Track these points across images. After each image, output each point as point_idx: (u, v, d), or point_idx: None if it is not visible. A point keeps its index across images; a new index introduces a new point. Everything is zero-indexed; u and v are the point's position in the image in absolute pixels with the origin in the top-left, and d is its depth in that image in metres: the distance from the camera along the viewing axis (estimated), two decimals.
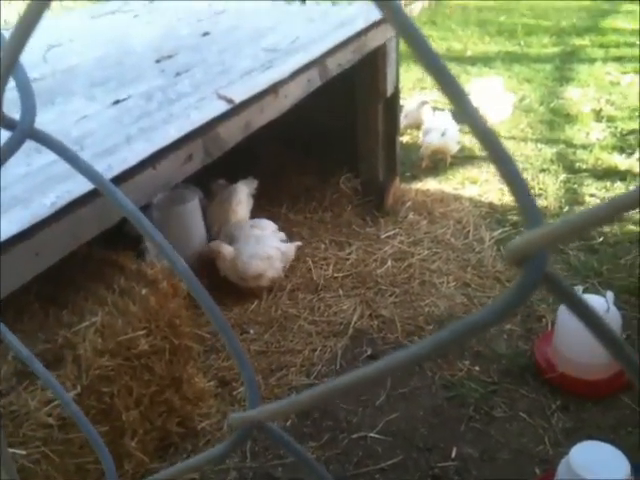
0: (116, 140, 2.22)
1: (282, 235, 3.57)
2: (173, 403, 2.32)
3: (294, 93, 2.96)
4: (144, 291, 2.22)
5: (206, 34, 3.49)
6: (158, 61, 3.08)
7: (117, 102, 2.59)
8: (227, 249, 3.29)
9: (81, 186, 1.91)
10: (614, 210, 0.26)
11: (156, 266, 2.34)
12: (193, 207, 3.49)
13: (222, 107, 2.53)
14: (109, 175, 2.01)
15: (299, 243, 3.52)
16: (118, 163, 2.07)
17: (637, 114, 5.22)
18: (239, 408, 2.68)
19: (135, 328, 2.10)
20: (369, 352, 3.01)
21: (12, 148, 0.48)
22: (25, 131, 0.48)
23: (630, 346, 0.32)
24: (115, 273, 2.30)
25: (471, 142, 4.90)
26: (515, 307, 0.29)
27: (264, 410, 0.41)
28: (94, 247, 2.35)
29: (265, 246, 3.32)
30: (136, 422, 2.13)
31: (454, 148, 4.52)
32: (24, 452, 1.71)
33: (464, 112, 0.31)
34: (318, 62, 3.11)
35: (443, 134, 4.35)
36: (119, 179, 2.07)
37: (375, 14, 3.54)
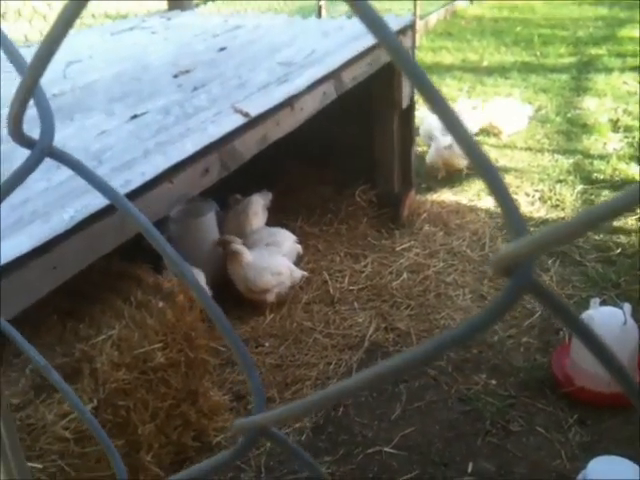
0: (134, 154, 2.25)
1: (299, 248, 3.59)
2: (189, 417, 2.33)
3: (310, 106, 2.98)
4: (161, 304, 2.24)
5: (222, 49, 3.53)
6: (176, 76, 3.12)
7: (135, 117, 2.63)
8: (247, 254, 3.27)
9: (99, 200, 1.93)
10: (598, 218, 0.26)
11: (173, 279, 2.35)
12: (209, 220, 3.51)
13: (238, 121, 2.56)
14: (127, 189, 2.04)
15: (306, 274, 3.49)
16: (136, 177, 2.09)
17: None
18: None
19: (151, 341, 2.12)
20: None
21: (31, 166, 0.50)
22: (44, 149, 0.50)
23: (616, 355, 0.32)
24: (132, 286, 2.32)
25: (487, 153, 4.89)
26: (502, 315, 0.30)
27: (267, 416, 0.42)
28: (112, 260, 2.37)
29: (278, 262, 3.32)
30: (152, 436, 2.14)
31: (461, 162, 4.48)
32: (40, 466, 1.73)
33: (447, 123, 0.32)
34: (333, 75, 3.13)
35: (448, 147, 4.33)
36: (136, 193, 2.09)
37: (390, 27, 3.56)
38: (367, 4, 0.32)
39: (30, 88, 0.46)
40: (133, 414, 2.08)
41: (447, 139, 4.36)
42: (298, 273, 3.41)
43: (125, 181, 2.06)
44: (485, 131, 5.10)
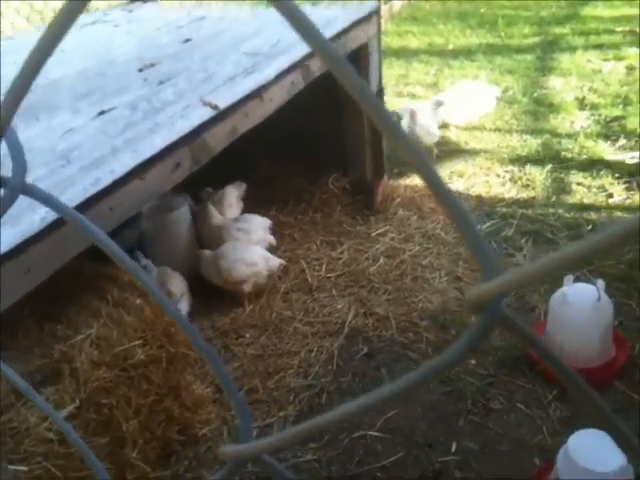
0: (102, 152, 2.22)
1: (272, 239, 3.59)
2: (172, 411, 2.33)
3: (279, 96, 2.97)
4: (138, 301, 2.23)
5: (187, 41, 3.49)
6: (141, 70, 3.08)
7: (102, 113, 2.60)
8: (205, 253, 3.31)
9: (69, 200, 1.91)
10: (566, 261, 0.27)
11: (149, 274, 2.33)
12: (183, 214, 3.49)
13: (207, 114, 2.54)
14: (97, 188, 2.02)
15: (284, 262, 3.49)
16: (105, 175, 2.07)
17: (619, 101, 5.26)
18: (237, 413, 2.68)
19: (131, 339, 2.11)
20: (365, 350, 3.02)
21: (5, 206, 0.50)
22: (17, 188, 0.49)
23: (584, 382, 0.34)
24: (108, 285, 2.30)
25: (457, 136, 4.93)
26: (473, 350, 0.31)
27: (254, 446, 0.42)
28: (85, 261, 2.35)
29: (252, 252, 3.32)
30: (136, 432, 2.14)
31: (428, 139, 4.50)
32: (26, 468, 1.72)
33: (414, 162, 0.32)
34: (301, 64, 3.12)
35: (412, 128, 4.34)
36: (107, 191, 2.07)
37: (354, 14, 3.56)
38: (295, 7, 0.32)
39: (3, 128, 0.45)
40: (116, 411, 2.07)
41: (421, 118, 4.38)
42: (275, 261, 3.40)
43: (95, 180, 2.04)
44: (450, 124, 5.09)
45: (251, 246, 3.37)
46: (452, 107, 4.93)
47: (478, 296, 0.30)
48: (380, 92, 3.96)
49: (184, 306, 2.99)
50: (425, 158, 0.31)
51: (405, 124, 4.44)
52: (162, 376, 2.25)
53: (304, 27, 0.31)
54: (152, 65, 3.11)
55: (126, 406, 2.11)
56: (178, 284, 3.01)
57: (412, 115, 4.35)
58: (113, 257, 0.49)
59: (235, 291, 3.32)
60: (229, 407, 2.72)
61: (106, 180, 2.07)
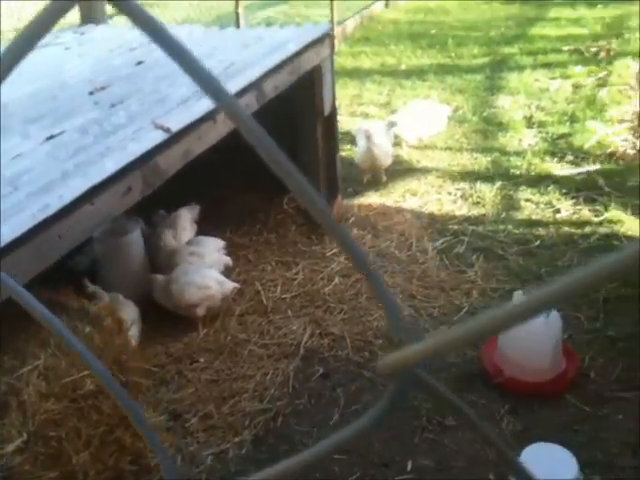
0: (52, 177, 2.19)
1: (227, 260, 3.57)
2: (124, 441, 2.28)
3: None
4: (88, 329, 2.19)
5: (140, 63, 3.48)
6: (92, 93, 3.05)
7: (52, 137, 2.56)
8: (158, 277, 3.29)
9: (16, 229, 1.88)
10: (483, 327, 0.28)
11: (98, 302, 2.30)
12: (135, 238, 3.45)
13: (160, 137, 2.53)
14: (45, 214, 1.99)
15: (238, 285, 3.46)
16: (54, 201, 2.04)
17: (566, 118, 5.43)
18: (192, 440, 2.66)
19: (80, 368, 2.07)
20: (321, 371, 3.03)
21: None
22: None
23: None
24: (56, 312, 2.25)
25: (409, 155, 5.01)
26: (388, 415, 0.32)
27: None
28: (33, 287, 2.30)
29: (204, 276, 3.29)
30: (87, 464, 2.09)
31: (385, 160, 4.57)
32: None
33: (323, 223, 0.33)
34: (255, 86, 3.14)
35: (369, 147, 4.40)
36: (56, 217, 2.04)
37: (307, 36, 3.60)
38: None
39: None
40: (66, 444, 2.02)
41: (377, 138, 4.43)
42: (229, 285, 3.38)
43: (43, 205, 2.00)
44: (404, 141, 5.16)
45: (204, 269, 3.34)
46: (405, 126, 5.02)
47: (390, 364, 0.31)
48: (333, 112, 4.00)
49: (134, 333, 2.94)
50: (334, 221, 0.33)
51: (362, 145, 4.49)
52: (113, 406, 2.20)
53: (211, 86, 0.32)
54: (104, 88, 3.09)
55: (76, 438, 2.06)
56: (129, 311, 2.96)
57: (368, 136, 4.40)
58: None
59: (188, 315, 3.29)
60: (183, 434, 2.69)
61: (55, 206, 2.04)
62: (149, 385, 2.53)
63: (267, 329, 3.30)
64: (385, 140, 4.57)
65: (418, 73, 6.77)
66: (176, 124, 2.61)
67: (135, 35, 4.15)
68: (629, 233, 3.84)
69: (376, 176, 4.66)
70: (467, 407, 0.36)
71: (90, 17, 4.59)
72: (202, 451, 2.63)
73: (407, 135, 5.06)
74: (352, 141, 5.09)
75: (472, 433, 2.66)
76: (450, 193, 4.48)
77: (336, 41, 7.32)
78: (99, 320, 2.20)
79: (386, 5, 9.51)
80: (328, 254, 3.88)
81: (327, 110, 3.92)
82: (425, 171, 4.79)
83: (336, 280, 3.65)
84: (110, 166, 2.31)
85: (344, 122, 5.44)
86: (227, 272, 3.55)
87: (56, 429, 1.97)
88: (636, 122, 5.21)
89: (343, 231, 0.33)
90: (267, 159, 0.33)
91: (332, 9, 7.61)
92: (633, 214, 4.00)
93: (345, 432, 0.33)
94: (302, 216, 4.15)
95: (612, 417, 2.66)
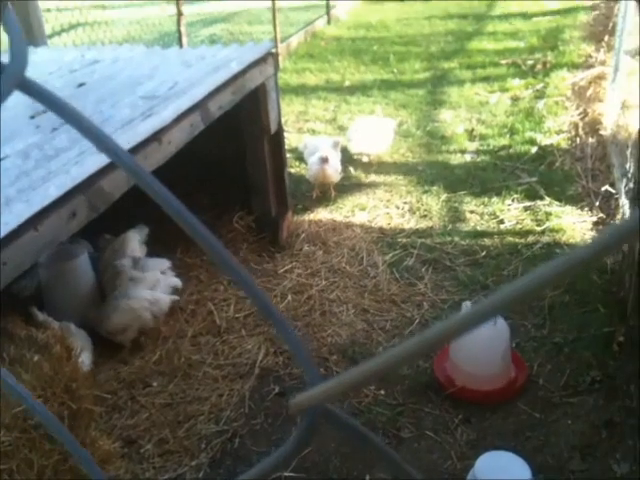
0: None
1: (176, 281, 3.52)
2: (79, 470, 2.23)
3: (178, 138, 2.97)
4: (36, 357, 2.13)
5: (81, 85, 3.43)
6: (33, 117, 3.00)
7: None
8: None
9: None
10: (378, 369, 0.30)
11: (47, 330, 2.25)
12: (81, 262, 3.38)
13: (104, 160, 2.50)
14: None
15: (176, 297, 3.42)
16: None
17: (506, 130, 5.59)
18: (148, 466, 2.61)
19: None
20: (277, 390, 3.02)
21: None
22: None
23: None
24: (3, 341, 2.19)
25: (357, 170, 5.07)
26: (299, 452, 0.34)
27: None
28: None
29: (131, 298, 3.21)
30: None
31: (336, 177, 4.63)
32: None
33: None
34: (199, 106, 3.13)
35: (325, 160, 4.46)
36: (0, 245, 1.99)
37: (250, 55, 3.62)
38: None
39: None
40: (17, 476, 1.96)
41: (325, 152, 4.49)
42: (165, 300, 3.31)
43: None
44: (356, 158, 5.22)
45: (136, 291, 3.26)
46: (352, 142, 5.08)
47: (298, 403, 0.33)
48: (279, 129, 4.02)
49: (85, 359, 2.88)
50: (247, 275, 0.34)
51: (312, 162, 4.54)
52: None
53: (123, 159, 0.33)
54: (45, 111, 3.03)
55: (28, 469, 2.00)
56: (79, 337, 2.90)
57: (324, 160, 4.45)
58: None
59: (120, 341, 3.22)
60: (139, 460, 2.64)
61: None
62: (101, 412, 2.48)
63: (221, 349, 3.28)
64: (334, 156, 4.62)
65: (362, 89, 6.87)
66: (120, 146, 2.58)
67: (75, 56, 4.10)
68: (570, 241, 3.98)
69: (325, 192, 4.70)
70: (374, 435, 0.38)
71: (29, 39, 4.50)
72: (159, 476, 2.58)
73: (355, 151, 5.13)
74: (300, 157, 5.13)
75: (427, 443, 2.70)
76: (398, 207, 4.55)
77: (280, 58, 7.37)
78: (48, 348, 2.15)
79: (328, 21, 9.64)
80: (280, 271, 3.88)
81: (273, 128, 3.94)
82: (373, 186, 4.86)
83: (289, 297, 3.65)
84: (53, 191, 2.27)
85: (291, 139, 5.48)
86: (177, 293, 3.51)
87: (7, 461, 1.90)
88: (573, 132, 5.41)
89: (247, 277, 0.35)
90: (170, 212, 0.34)
91: (275, 26, 7.66)
92: (573, 222, 4.14)
93: (259, 468, 0.34)
94: (253, 234, 4.15)
95: (561, 422, 2.73)
